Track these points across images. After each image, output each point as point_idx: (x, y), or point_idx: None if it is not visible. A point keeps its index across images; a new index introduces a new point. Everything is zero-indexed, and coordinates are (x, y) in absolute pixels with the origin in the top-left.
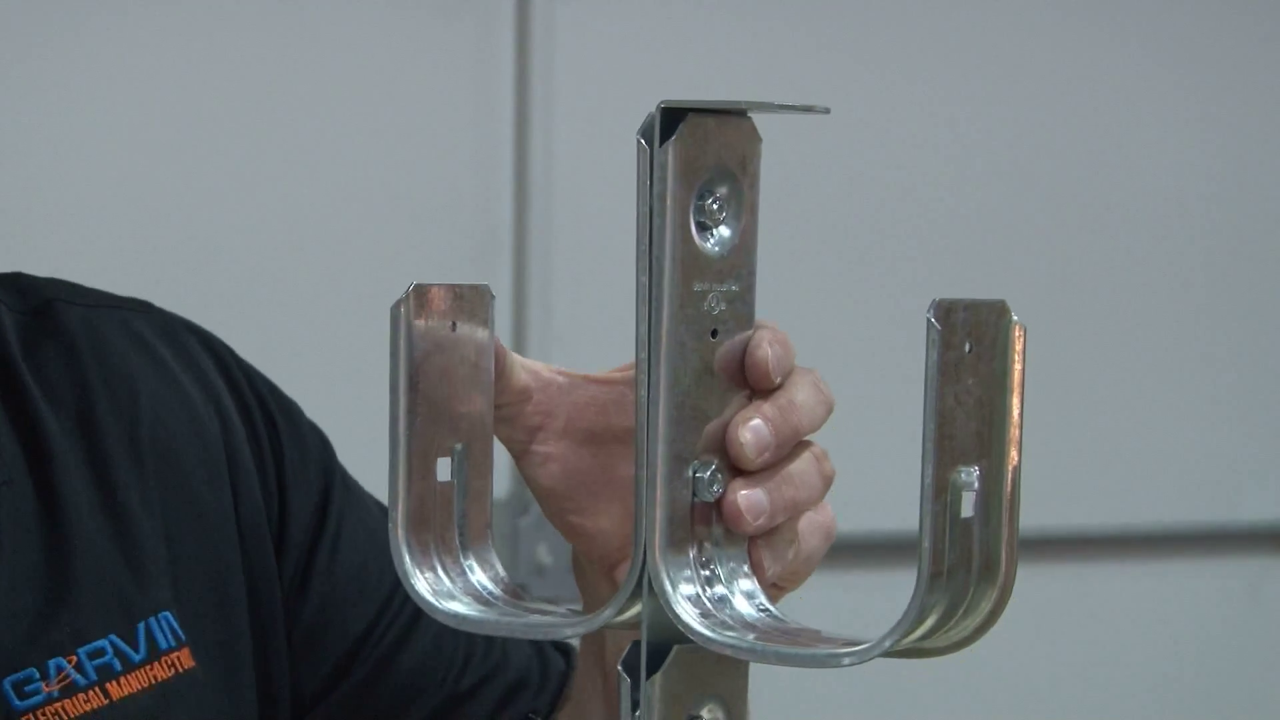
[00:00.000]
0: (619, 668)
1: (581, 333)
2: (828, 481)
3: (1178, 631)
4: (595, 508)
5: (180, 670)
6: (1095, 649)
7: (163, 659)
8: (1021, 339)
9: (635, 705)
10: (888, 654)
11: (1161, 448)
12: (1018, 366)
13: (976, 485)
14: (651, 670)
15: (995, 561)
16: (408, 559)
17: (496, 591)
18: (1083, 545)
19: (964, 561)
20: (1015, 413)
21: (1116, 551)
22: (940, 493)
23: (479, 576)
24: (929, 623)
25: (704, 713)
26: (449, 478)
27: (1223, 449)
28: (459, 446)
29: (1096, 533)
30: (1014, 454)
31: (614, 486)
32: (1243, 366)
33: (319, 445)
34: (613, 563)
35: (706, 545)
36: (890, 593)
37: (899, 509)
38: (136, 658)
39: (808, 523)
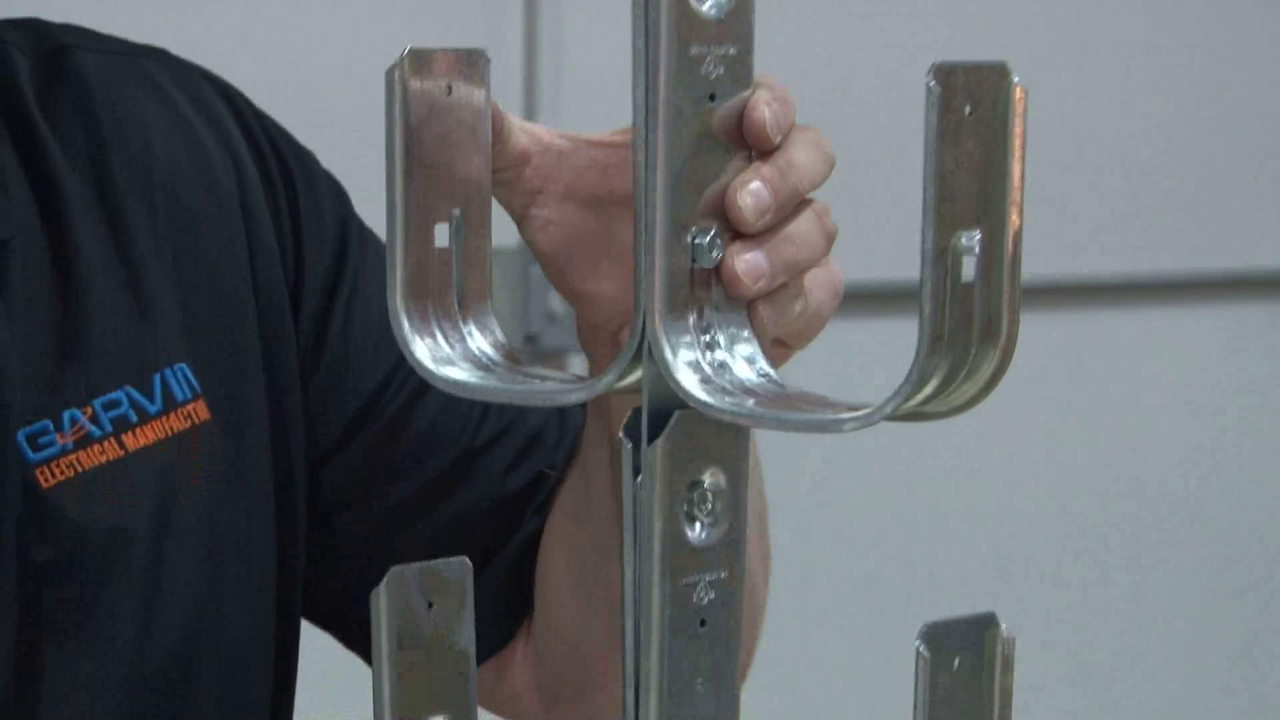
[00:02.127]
0: (620, 433)
1: (593, 92)
2: (830, 238)
3: (1189, 378)
4: (596, 271)
5: (196, 422)
6: (1106, 397)
7: (178, 410)
8: (1023, 101)
9: (637, 471)
10: (889, 418)
11: (1174, 194)
12: (1019, 129)
13: (977, 249)
14: (652, 436)
15: (997, 325)
16: (406, 325)
17: (496, 357)
18: (1094, 292)
19: (965, 325)
20: (1016, 176)
21: (1128, 299)
22: (941, 256)
23: (478, 342)
24: (930, 387)
25: (705, 478)
26: (447, 243)
27: (1236, 194)
28: (457, 212)
29: (1108, 280)
30: (1015, 217)
31: (615, 250)
32: (1257, 109)
33: (335, 196)
34: (616, 327)
35: (706, 311)
36: (892, 342)
37: (905, 260)
38: (152, 409)
39: (813, 279)
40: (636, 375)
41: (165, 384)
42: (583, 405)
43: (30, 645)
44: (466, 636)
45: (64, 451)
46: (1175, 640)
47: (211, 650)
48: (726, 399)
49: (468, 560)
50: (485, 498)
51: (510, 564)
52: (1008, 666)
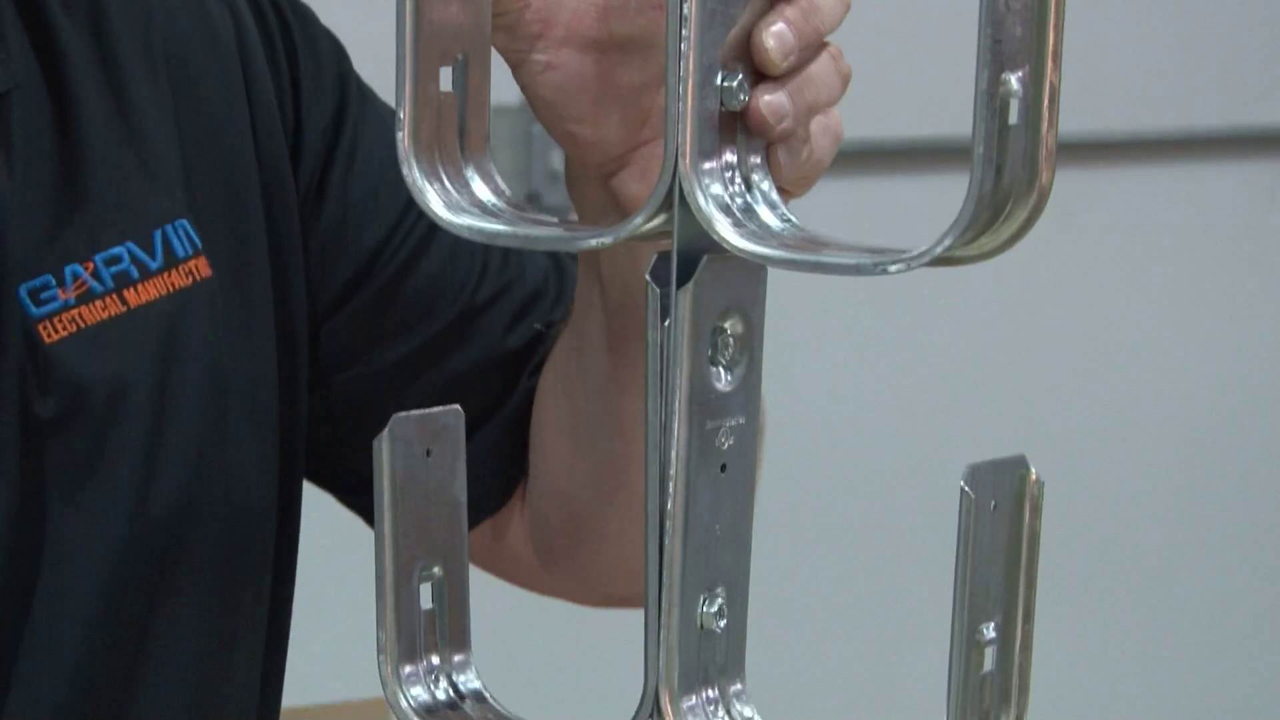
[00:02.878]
0: (647, 278)
1: None
2: (845, 81)
3: (1196, 233)
4: (595, 116)
5: (198, 278)
6: (1114, 253)
7: (180, 267)
8: None
9: (664, 315)
10: (929, 264)
11: (1182, 50)
12: None
13: (1021, 93)
14: (682, 280)
15: (1036, 170)
16: (417, 172)
17: (500, 204)
18: (1101, 150)
19: (1008, 169)
20: (1056, 19)
21: (1136, 155)
22: (992, 99)
23: (481, 189)
24: (973, 231)
25: (727, 324)
26: (450, 88)
27: (1244, 51)
28: (460, 56)
29: (1115, 137)
30: (1056, 63)
31: (614, 94)
32: None
33: (334, 52)
34: (610, 171)
35: (731, 155)
36: (894, 196)
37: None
38: (154, 265)
39: (819, 125)
40: (663, 219)
41: (166, 240)
42: (574, 259)
43: (33, 499)
44: (460, 485)
45: (66, 307)
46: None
47: (214, 507)
48: (759, 243)
49: (460, 409)
50: (485, 357)
51: (508, 423)
52: (1036, 510)
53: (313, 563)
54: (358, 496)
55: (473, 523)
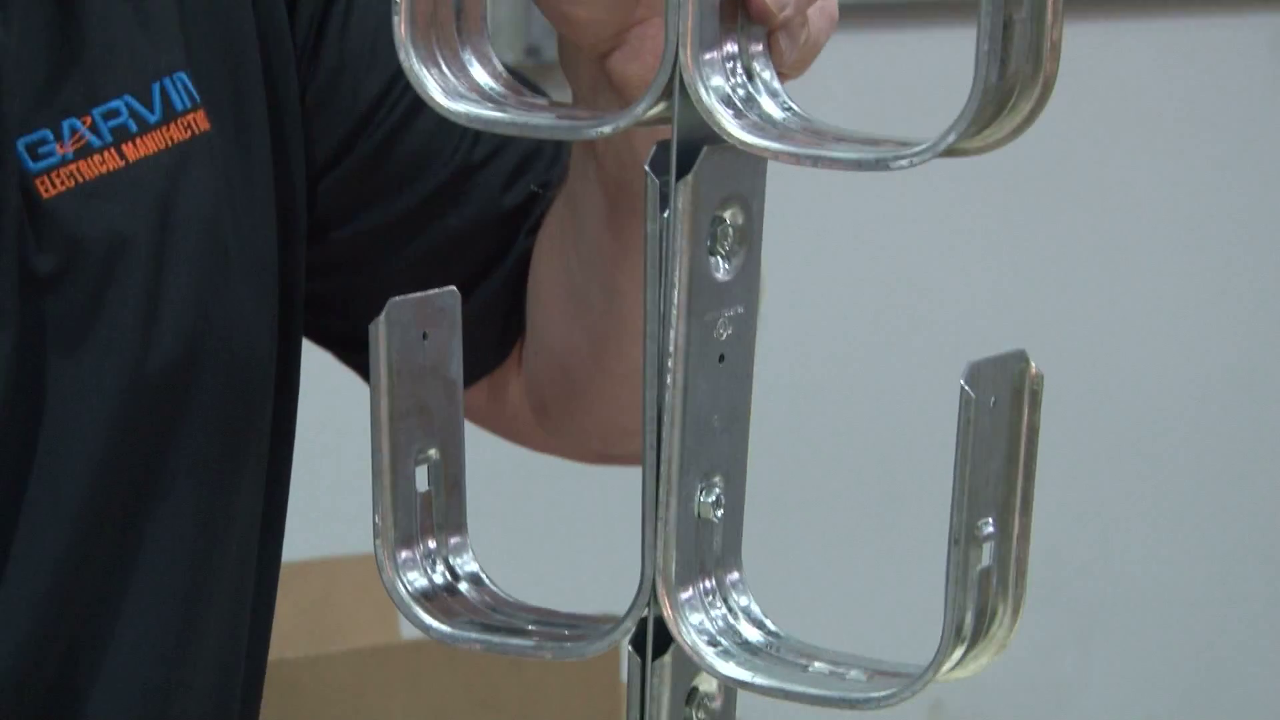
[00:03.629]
0: (646, 169)
1: None
2: None
3: (1198, 86)
4: None
5: (196, 132)
6: (1117, 108)
7: (179, 120)
8: None
9: (664, 205)
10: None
11: None
12: None
13: None
14: (682, 172)
15: (1040, 62)
16: (415, 58)
17: (498, 89)
18: (1102, 3)
19: (1013, 62)
20: None
21: (1140, 7)
22: None
23: (479, 73)
24: (981, 123)
25: (726, 214)
26: None
27: None
28: None
29: None
30: None
31: None
32: None
33: None
34: (603, 52)
35: (731, 45)
36: (899, 51)
37: None
38: (152, 119)
39: (816, 9)
40: (663, 107)
41: (165, 92)
42: None
43: (31, 354)
44: (456, 367)
45: (64, 161)
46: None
47: (213, 361)
48: (759, 134)
49: (457, 290)
50: (481, 214)
51: (504, 282)
52: (1035, 403)
53: (314, 412)
54: (355, 353)
55: (471, 380)
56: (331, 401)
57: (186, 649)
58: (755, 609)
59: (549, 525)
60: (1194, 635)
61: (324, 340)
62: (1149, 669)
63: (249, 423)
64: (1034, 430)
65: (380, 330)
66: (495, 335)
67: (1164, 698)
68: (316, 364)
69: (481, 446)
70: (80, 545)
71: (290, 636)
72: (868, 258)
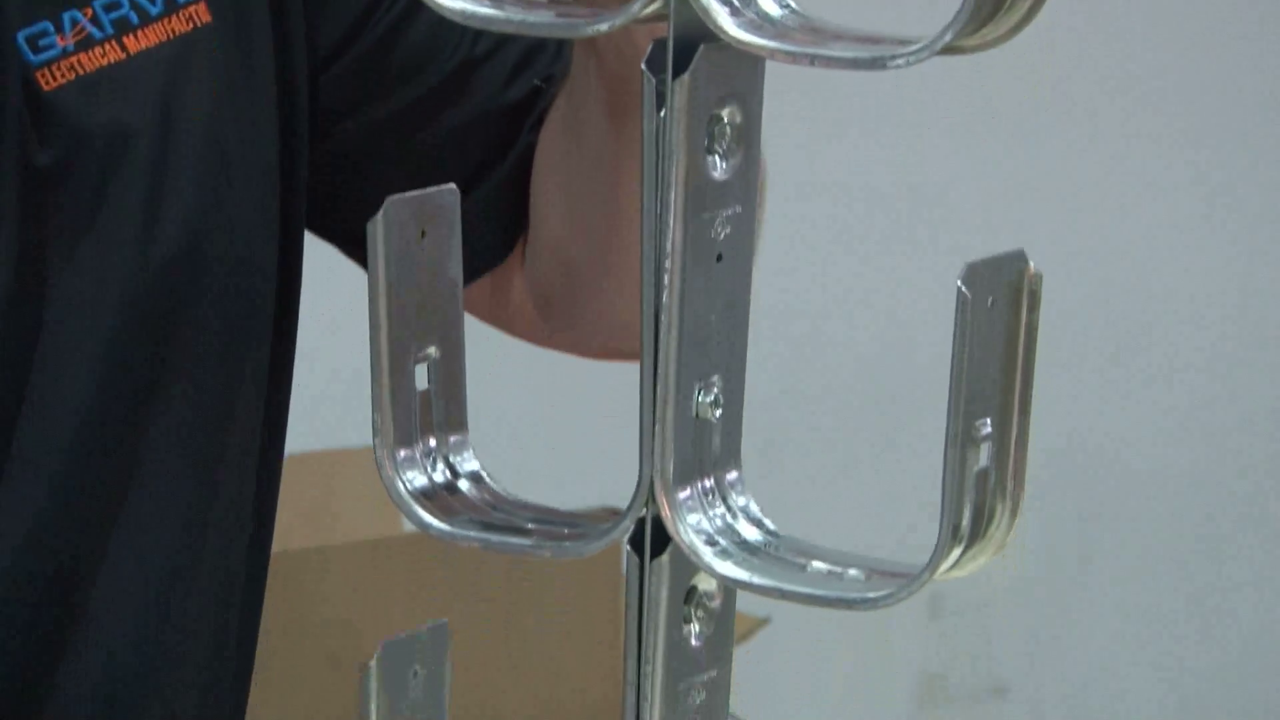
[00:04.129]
0: (643, 67)
1: None
2: None
3: None
4: None
5: (198, 24)
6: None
7: (180, 12)
8: None
9: (660, 104)
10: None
11: None
12: None
13: None
14: (678, 70)
15: None
16: None
17: None
18: None
19: None
20: None
21: None
22: None
23: None
24: (979, 19)
25: (724, 113)
26: None
27: None
28: None
29: None
30: None
31: None
32: None
33: None
34: None
35: None
36: None
37: None
38: (154, 10)
39: None
40: (660, 3)
41: None
42: None
43: (34, 249)
44: (455, 266)
45: (65, 54)
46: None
47: (216, 258)
48: (757, 32)
49: (456, 188)
50: (485, 108)
51: (507, 177)
52: (1034, 303)
53: (317, 304)
54: (358, 249)
55: (474, 276)
56: (335, 294)
57: (190, 543)
58: (754, 508)
59: (551, 424)
60: (1197, 536)
61: (328, 235)
62: (1150, 569)
63: (250, 320)
64: (1033, 330)
65: (378, 229)
66: (498, 231)
67: (1166, 596)
68: (321, 257)
69: (483, 345)
70: (85, 440)
71: (291, 529)
72: (868, 157)
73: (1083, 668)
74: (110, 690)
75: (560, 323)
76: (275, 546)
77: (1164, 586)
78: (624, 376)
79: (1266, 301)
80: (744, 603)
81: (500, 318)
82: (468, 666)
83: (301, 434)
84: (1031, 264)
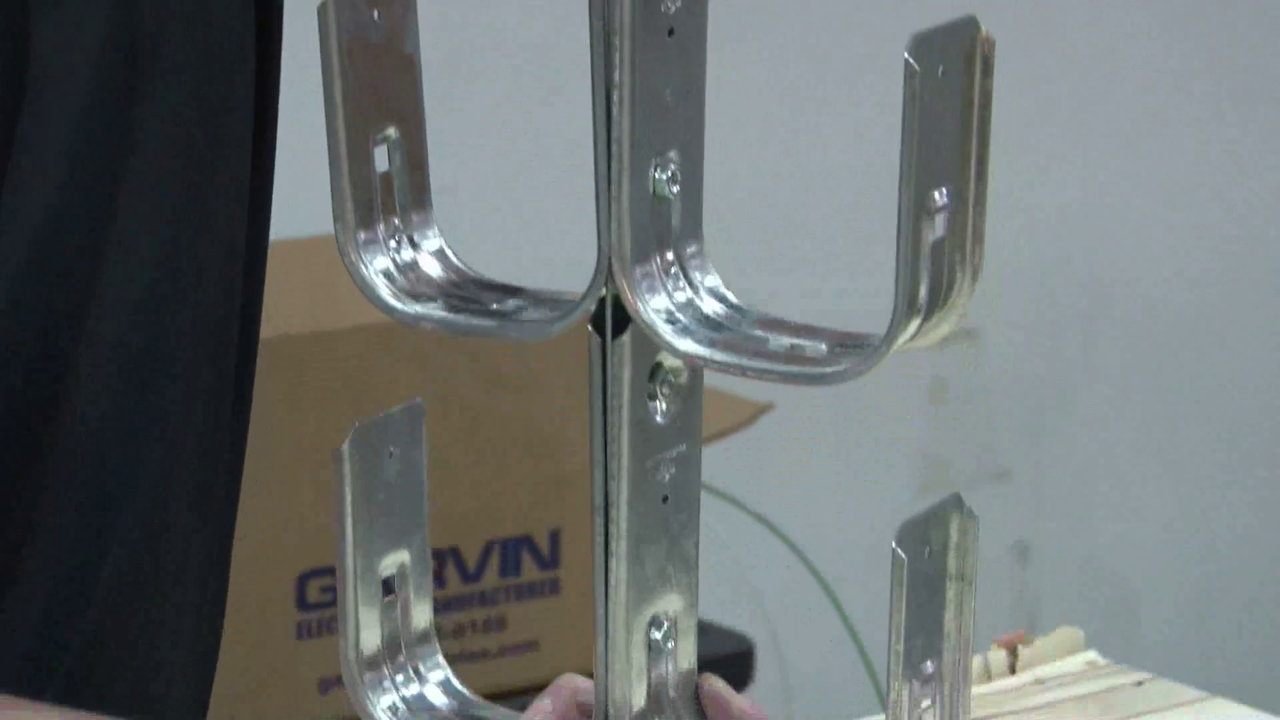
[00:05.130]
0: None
1: None
2: None
3: None
4: None
5: None
6: None
7: None
8: None
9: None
10: None
11: None
12: None
13: None
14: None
15: None
16: None
17: None
18: None
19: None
20: None
21: None
22: None
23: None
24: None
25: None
26: None
27: None
28: None
29: None
30: None
31: None
32: None
33: None
34: None
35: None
36: None
37: None
38: None
39: None
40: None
41: None
42: None
43: None
44: (412, 41)
45: None
46: None
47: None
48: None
49: None
50: None
51: None
52: (988, 69)
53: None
54: None
55: None
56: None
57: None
58: (717, 283)
59: (513, 200)
60: (1198, 320)
61: None
62: (1153, 353)
63: (228, 94)
64: (987, 96)
65: (329, 10)
66: None
67: (1167, 379)
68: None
69: (442, 123)
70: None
71: (293, 313)
72: None
73: (1085, 453)
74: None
75: None
76: (276, 330)
77: (1166, 373)
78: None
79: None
80: (745, 389)
81: None
82: (466, 448)
83: (301, 218)
84: (984, 28)
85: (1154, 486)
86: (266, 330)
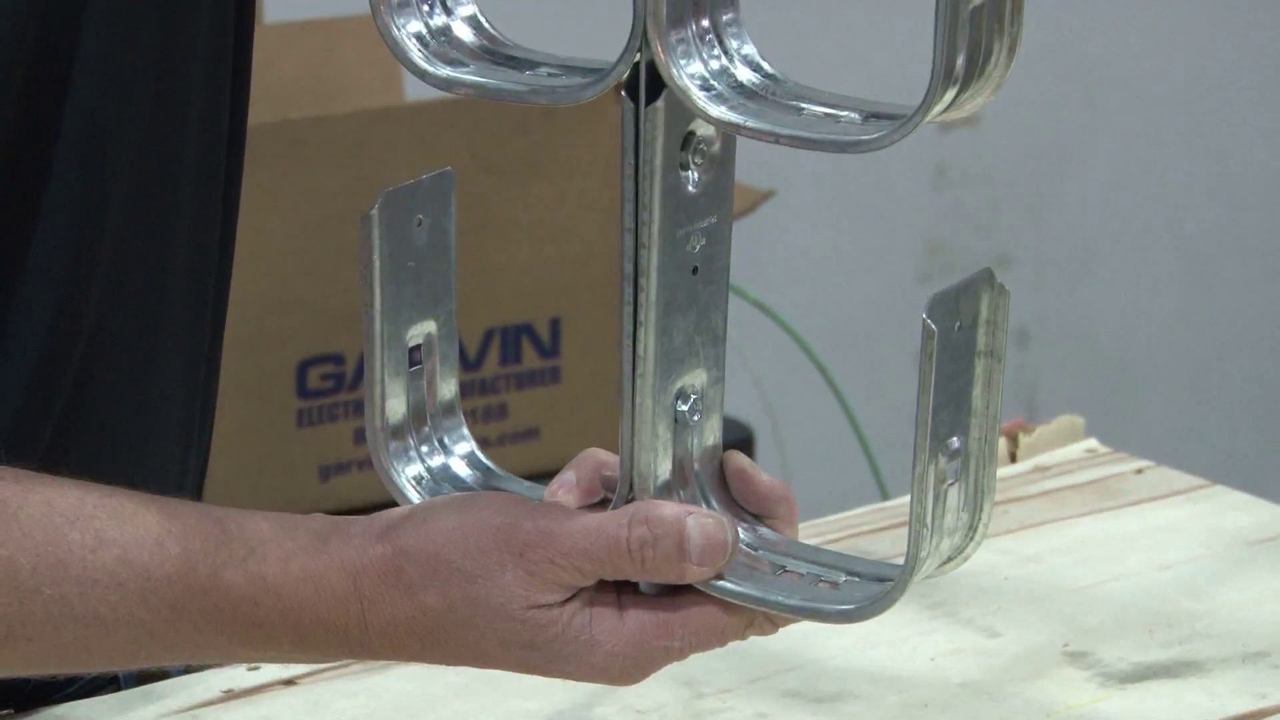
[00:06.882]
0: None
1: None
2: None
3: None
4: None
5: None
6: None
7: None
8: None
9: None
10: None
11: None
12: None
13: None
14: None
15: None
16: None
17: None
18: None
19: None
20: None
21: None
22: None
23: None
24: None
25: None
26: None
27: None
28: None
29: None
30: None
31: None
32: None
33: None
34: None
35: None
36: None
37: None
38: None
39: None
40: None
41: None
42: None
43: None
44: None
45: None
46: None
47: None
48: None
49: None
50: None
51: None
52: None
53: None
54: None
55: None
56: None
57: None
58: (752, 51)
59: None
60: (1198, 104)
61: None
62: (1154, 134)
63: None
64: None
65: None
66: None
67: (1169, 153)
68: None
69: None
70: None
71: (294, 97)
72: None
73: (1086, 237)
74: None
75: None
76: (278, 115)
77: (1168, 149)
78: None
79: None
80: (748, 175)
81: None
82: (465, 235)
83: (302, 2)
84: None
85: (1156, 268)
86: (265, 114)
